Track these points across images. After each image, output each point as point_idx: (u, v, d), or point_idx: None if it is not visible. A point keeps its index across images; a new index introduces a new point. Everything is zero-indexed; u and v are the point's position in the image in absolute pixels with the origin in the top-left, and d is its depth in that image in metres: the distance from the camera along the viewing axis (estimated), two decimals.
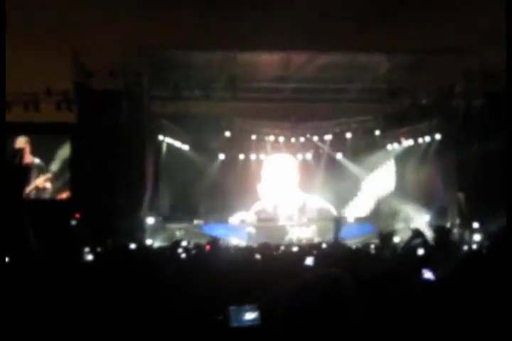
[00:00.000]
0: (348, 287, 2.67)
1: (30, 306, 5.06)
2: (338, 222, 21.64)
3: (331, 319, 2.56)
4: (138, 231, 21.16)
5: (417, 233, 9.53)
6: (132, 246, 13.62)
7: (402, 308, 4.39)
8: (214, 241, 13.94)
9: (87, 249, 10.91)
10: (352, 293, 2.66)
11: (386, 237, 11.10)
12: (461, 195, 22.97)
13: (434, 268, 5.33)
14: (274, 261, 9.97)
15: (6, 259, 8.78)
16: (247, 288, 5.52)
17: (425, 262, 6.10)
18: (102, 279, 5.95)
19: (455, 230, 22.20)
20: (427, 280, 5.25)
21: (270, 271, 7.06)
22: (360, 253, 11.47)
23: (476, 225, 19.97)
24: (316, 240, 23.62)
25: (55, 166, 22.76)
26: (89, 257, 10.14)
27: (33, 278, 6.37)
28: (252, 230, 25.21)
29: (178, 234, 23.52)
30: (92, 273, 6.91)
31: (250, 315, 3.59)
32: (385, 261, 8.66)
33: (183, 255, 11.23)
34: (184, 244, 14.13)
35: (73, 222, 19.83)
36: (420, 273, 5.34)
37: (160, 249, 14.51)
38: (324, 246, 14.75)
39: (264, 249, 13.67)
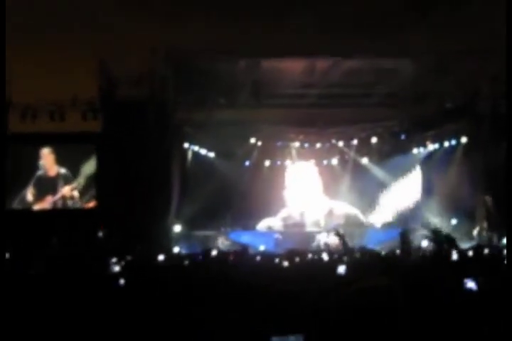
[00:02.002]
0: (399, 297, 2.60)
1: (48, 315, 5.05)
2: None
3: (385, 331, 2.50)
4: (165, 240, 21.19)
5: (449, 239, 9.46)
6: (161, 257, 13.63)
7: (445, 316, 4.32)
8: (243, 250, 13.89)
9: (114, 260, 10.88)
10: (402, 303, 2.59)
11: (404, 235, 11.06)
12: (488, 199, 22.81)
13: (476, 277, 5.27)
14: (303, 269, 9.88)
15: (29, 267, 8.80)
16: (281, 300, 5.45)
17: (463, 270, 6.02)
18: (127, 292, 5.93)
19: (484, 234, 22.10)
20: (470, 290, 5.19)
21: (301, 280, 6.98)
22: (391, 259, 11.40)
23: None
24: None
25: (82, 176, 22.87)
26: (116, 268, 10.11)
27: (53, 286, 6.36)
28: (279, 237, 25.16)
29: (205, 241, 23.50)
30: (117, 286, 6.89)
31: None
32: (418, 266, 8.58)
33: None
34: (214, 252, 14.08)
35: (100, 234, 19.88)
36: (462, 282, 5.27)
37: (189, 258, 14.44)
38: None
39: (292, 255, 13.60)
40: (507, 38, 13.81)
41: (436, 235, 10.08)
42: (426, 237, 13.12)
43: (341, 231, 13.94)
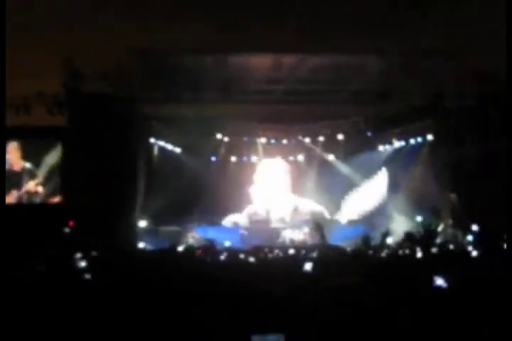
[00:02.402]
0: (369, 295, 2.61)
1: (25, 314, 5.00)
2: (318, 226, 21.68)
3: (358, 328, 2.50)
4: (130, 235, 21.12)
5: (409, 235, 9.52)
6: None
7: (413, 314, 4.33)
8: (210, 245, 13.87)
9: (79, 255, 10.78)
10: (373, 301, 2.60)
11: (383, 237, 11.15)
12: (453, 196, 23.00)
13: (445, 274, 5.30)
14: (269, 266, 9.89)
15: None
16: (254, 298, 5.44)
17: (430, 267, 6.05)
18: (96, 288, 5.88)
19: (449, 231, 22.27)
20: (439, 287, 5.21)
21: (268, 277, 6.95)
22: (358, 256, 11.45)
23: (474, 227, 19.90)
24: (309, 242, 23.66)
25: (44, 170, 22.72)
26: (82, 264, 10.02)
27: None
28: (244, 232, 25.23)
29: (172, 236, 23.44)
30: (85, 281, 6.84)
31: None
32: (385, 263, 8.62)
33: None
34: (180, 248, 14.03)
35: (66, 230, 19.75)
36: (431, 280, 5.30)
37: (155, 253, 14.38)
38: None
39: (258, 251, 13.63)
40: (507, 38, 13.94)
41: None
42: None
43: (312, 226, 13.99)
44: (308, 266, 7.94)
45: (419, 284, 5.18)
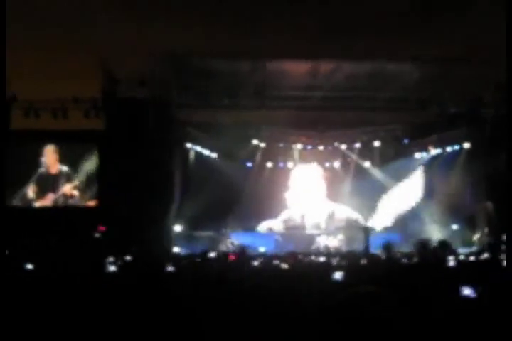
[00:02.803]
0: (391, 307, 2.57)
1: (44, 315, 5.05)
2: (367, 232, 21.57)
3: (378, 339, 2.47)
4: (165, 240, 21.21)
5: (444, 244, 9.43)
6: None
7: (442, 325, 4.31)
8: (241, 251, 13.88)
9: (111, 259, 10.84)
10: (395, 312, 2.56)
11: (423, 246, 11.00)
12: (489, 205, 22.80)
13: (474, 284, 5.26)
14: (301, 274, 9.84)
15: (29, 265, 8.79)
16: (273, 306, 5.43)
17: (459, 276, 6.00)
18: (124, 292, 5.91)
19: (484, 240, 22.06)
20: (467, 297, 5.17)
21: (298, 284, 6.95)
22: (392, 265, 11.40)
23: (505, 237, 19.73)
24: (344, 249, 23.55)
25: (83, 174, 22.89)
26: (112, 268, 10.07)
27: (53, 283, 6.35)
28: (279, 238, 25.19)
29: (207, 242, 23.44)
30: (114, 285, 6.88)
31: None
32: (418, 273, 8.55)
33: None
34: (212, 254, 14.06)
35: (97, 235, 19.86)
36: (459, 289, 5.26)
37: (188, 258, 14.42)
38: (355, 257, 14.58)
39: (291, 258, 13.61)
40: (507, 42, 13.82)
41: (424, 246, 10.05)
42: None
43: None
44: (338, 275, 7.89)
45: (445, 293, 5.15)
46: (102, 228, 20.30)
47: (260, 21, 19.20)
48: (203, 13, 18.66)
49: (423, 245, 9.10)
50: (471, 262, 8.94)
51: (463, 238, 22.81)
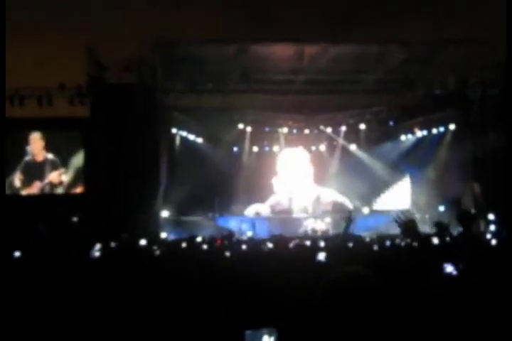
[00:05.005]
0: (376, 287, 2.60)
1: (30, 298, 5.05)
2: (349, 218, 21.66)
3: (360, 319, 2.50)
4: (152, 225, 21.19)
5: (438, 224, 9.45)
6: (143, 241, 13.63)
7: (423, 302, 4.33)
8: (228, 235, 13.88)
9: (98, 246, 10.80)
10: (380, 292, 2.59)
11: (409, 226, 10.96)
12: (476, 186, 22.86)
13: (456, 261, 5.28)
14: (287, 255, 9.85)
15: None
16: (258, 289, 5.44)
17: (443, 254, 6.01)
18: (110, 278, 5.91)
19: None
20: (449, 275, 5.20)
21: (283, 266, 6.96)
22: (374, 246, 11.46)
23: (491, 216, 19.84)
24: (331, 232, 23.65)
25: (69, 161, 22.84)
26: (97, 254, 10.06)
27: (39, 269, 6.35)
28: (266, 222, 25.23)
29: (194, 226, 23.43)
30: (95, 271, 6.87)
31: (267, 340, 3.44)
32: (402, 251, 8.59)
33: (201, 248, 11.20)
34: (199, 238, 14.05)
35: (74, 219, 19.74)
36: (441, 267, 5.28)
37: (174, 243, 14.42)
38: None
39: (278, 241, 13.61)
40: (507, 34, 13.85)
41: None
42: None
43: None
44: (321, 256, 7.92)
45: (428, 271, 5.17)
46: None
47: (245, 5, 19.16)
48: (189, 0, 18.61)
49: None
50: (453, 238, 8.97)
51: (450, 219, 22.90)
